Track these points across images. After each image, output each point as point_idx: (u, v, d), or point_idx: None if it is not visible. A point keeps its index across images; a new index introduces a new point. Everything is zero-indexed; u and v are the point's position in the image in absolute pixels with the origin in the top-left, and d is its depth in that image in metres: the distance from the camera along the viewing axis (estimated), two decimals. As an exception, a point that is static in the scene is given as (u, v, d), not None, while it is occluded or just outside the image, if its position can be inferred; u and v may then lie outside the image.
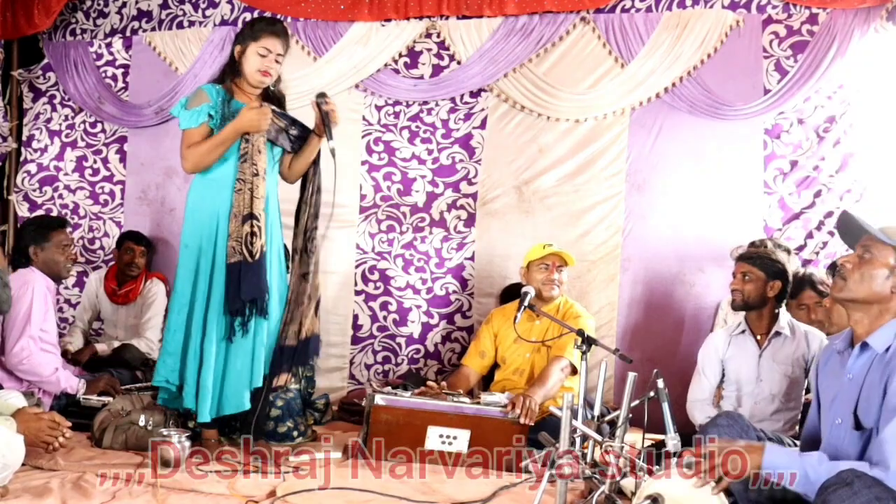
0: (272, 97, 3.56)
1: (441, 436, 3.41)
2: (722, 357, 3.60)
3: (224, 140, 3.33)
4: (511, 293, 4.52)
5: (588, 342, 3.14)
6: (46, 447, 2.94)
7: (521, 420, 3.39)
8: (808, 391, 3.51)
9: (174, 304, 3.41)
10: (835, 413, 2.26)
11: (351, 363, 4.93)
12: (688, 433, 2.98)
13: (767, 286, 3.50)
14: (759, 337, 3.55)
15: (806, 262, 4.38)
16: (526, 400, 3.43)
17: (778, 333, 3.51)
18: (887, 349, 2.18)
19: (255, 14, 5.10)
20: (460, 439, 3.41)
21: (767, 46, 4.47)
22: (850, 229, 2.38)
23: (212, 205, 3.38)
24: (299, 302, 3.51)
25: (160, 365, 3.42)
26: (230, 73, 3.47)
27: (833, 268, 3.62)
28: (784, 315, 3.54)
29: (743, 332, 3.58)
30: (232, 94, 3.43)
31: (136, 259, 4.94)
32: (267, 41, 3.39)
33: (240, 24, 5.11)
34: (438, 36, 4.89)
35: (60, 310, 5.37)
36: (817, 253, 4.39)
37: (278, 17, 4.92)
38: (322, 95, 3.48)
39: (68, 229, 4.05)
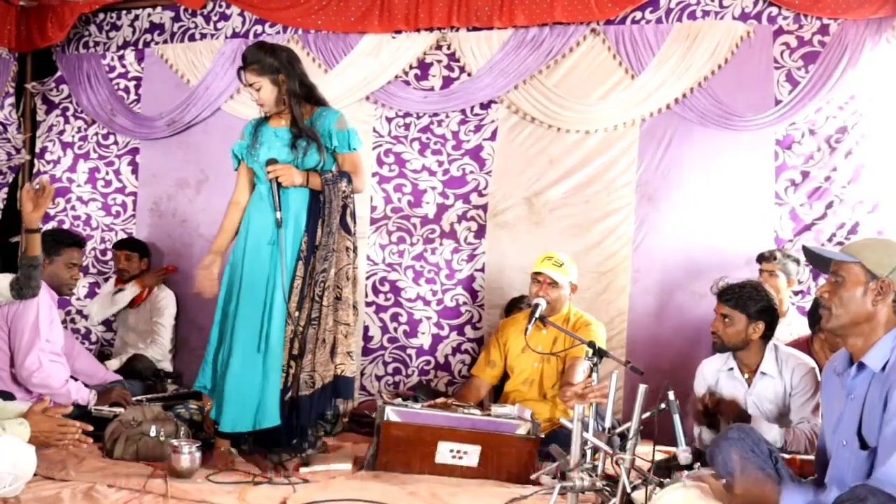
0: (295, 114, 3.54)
1: (452, 451, 3.41)
2: (713, 388, 3.48)
3: None
4: (514, 306, 4.53)
5: (599, 354, 3.13)
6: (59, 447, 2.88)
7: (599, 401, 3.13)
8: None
9: (216, 315, 3.54)
10: (840, 435, 2.24)
11: (361, 374, 4.92)
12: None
13: (749, 328, 3.35)
14: (746, 376, 3.44)
15: (817, 275, 4.35)
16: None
17: (763, 374, 3.39)
18: (884, 367, 2.16)
19: (266, 27, 5.14)
20: (471, 454, 3.40)
21: (778, 57, 4.46)
22: (818, 261, 2.39)
23: (244, 223, 3.54)
24: (304, 350, 3.41)
25: (200, 372, 3.54)
26: None
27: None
28: (770, 353, 3.40)
29: (731, 369, 3.47)
30: (267, 119, 3.57)
31: (122, 265, 5.03)
32: (244, 78, 3.50)
33: (251, 37, 5.14)
34: (449, 48, 4.91)
35: (73, 321, 5.40)
36: (829, 264, 4.36)
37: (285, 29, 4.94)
38: (269, 161, 3.42)
39: (83, 250, 4.10)
